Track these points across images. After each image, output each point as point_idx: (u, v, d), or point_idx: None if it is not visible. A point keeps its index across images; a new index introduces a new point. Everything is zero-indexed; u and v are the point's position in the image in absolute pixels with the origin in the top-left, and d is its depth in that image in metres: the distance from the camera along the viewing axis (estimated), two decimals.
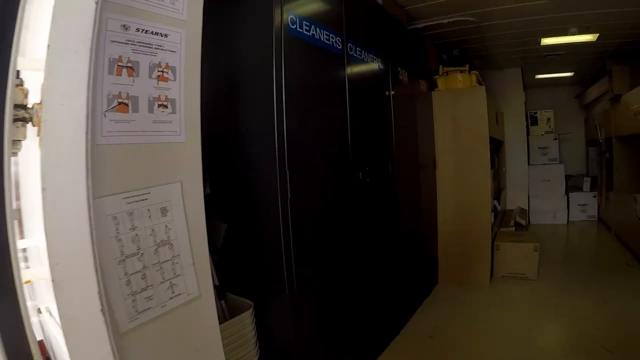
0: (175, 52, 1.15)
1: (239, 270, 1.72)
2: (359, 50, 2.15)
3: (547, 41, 4.45)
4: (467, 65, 3.70)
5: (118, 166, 0.97)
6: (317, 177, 1.80)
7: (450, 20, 3.50)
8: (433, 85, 3.70)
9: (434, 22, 3.56)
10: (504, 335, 2.66)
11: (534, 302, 3.26)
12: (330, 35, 1.89)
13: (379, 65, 2.40)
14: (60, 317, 0.86)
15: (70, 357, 0.86)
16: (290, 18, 1.61)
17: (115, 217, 0.97)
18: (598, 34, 4.23)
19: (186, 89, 1.15)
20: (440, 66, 3.75)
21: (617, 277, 3.72)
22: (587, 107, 7.13)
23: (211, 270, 1.29)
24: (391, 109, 2.54)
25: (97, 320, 0.87)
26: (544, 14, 3.54)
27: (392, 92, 2.56)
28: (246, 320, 1.52)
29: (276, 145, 1.52)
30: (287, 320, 1.63)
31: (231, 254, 1.70)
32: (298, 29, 1.66)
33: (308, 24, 1.72)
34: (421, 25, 3.60)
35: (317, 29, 1.79)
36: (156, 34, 1.10)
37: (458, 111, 3.55)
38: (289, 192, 1.55)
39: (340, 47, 1.96)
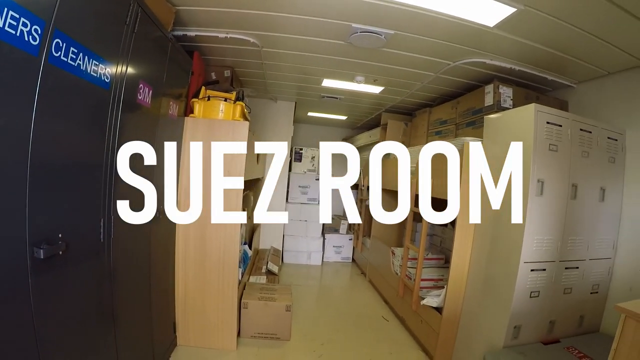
0: None
1: None
2: (73, 52, 1.49)
3: (328, 83, 4.53)
4: (234, 94, 3.36)
5: None
6: None
7: (228, 36, 3.17)
8: (188, 110, 3.23)
9: (209, 34, 3.17)
10: None
11: None
12: (21, 19, 1.21)
13: (106, 78, 1.76)
14: None
15: None
16: None
17: None
18: (383, 87, 4.51)
19: None
20: (203, 88, 3.31)
21: (376, 334, 3.95)
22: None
23: None
24: (116, 141, 1.91)
25: None
26: (334, 55, 3.53)
27: (123, 118, 1.94)
28: None
29: None
30: None
31: None
32: None
33: None
34: (192, 34, 3.16)
35: None
36: None
37: (212, 145, 3.15)
38: None
39: (36, 43, 1.28)
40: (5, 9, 1.18)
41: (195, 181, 3.13)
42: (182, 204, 3.15)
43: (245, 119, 3.49)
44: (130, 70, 1.99)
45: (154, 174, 2.52)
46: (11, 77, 1.24)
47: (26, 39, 1.26)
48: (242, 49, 3.50)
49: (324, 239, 6.97)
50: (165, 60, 2.56)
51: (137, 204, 2.28)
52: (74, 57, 1.51)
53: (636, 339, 1.41)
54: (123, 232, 2.08)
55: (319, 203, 6.88)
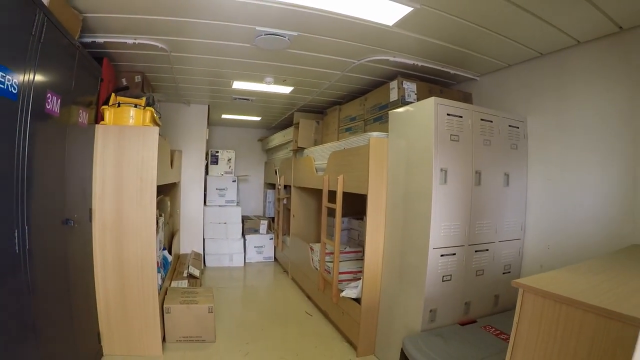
0: None
1: None
2: None
3: (239, 85, 4.62)
4: (144, 99, 3.37)
5: None
6: None
7: (137, 42, 3.17)
8: (98, 117, 3.21)
9: (117, 40, 3.16)
10: None
11: None
12: None
13: (13, 89, 1.75)
14: None
15: None
16: None
17: None
18: (293, 87, 4.66)
19: None
20: (113, 94, 3.29)
21: (301, 329, 4.11)
22: (269, 152, 7.96)
23: None
24: (26, 152, 1.90)
25: None
26: (242, 57, 3.63)
27: (32, 127, 1.92)
28: None
29: None
30: None
31: None
32: None
33: None
34: (101, 40, 3.12)
35: None
36: None
37: (125, 152, 3.19)
38: None
39: None
40: None
41: (107, 188, 3.14)
42: (98, 210, 3.12)
43: (156, 124, 3.51)
44: (37, 79, 1.98)
45: (66, 183, 2.52)
46: None
47: None
48: (152, 54, 3.51)
49: (244, 240, 7.05)
50: (73, 68, 2.55)
51: (52, 213, 2.29)
52: None
53: (535, 311, 1.50)
54: (38, 242, 2.07)
55: (237, 204, 6.95)
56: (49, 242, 2.29)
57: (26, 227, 1.93)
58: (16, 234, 1.86)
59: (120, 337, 3.29)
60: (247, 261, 7.05)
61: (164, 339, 3.55)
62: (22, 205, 1.91)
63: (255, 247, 7.15)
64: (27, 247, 1.94)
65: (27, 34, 1.90)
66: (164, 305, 3.60)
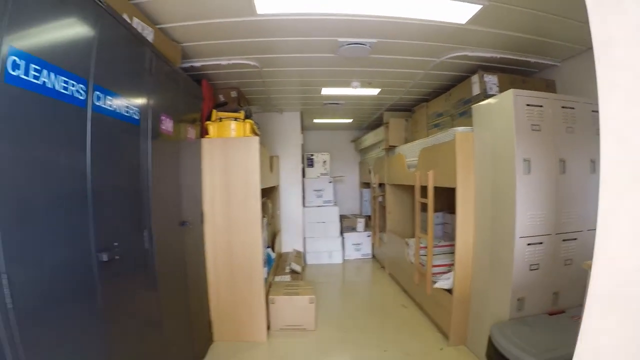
0: None
1: None
2: (109, 99, 1.90)
3: (327, 91, 4.92)
4: (243, 113, 3.80)
5: None
6: (49, 269, 1.48)
7: (230, 62, 3.61)
8: (203, 132, 3.69)
9: (212, 62, 3.62)
10: None
11: (314, 355, 3.49)
12: (71, 82, 1.60)
13: (135, 115, 2.19)
14: None
15: None
16: (13, 60, 1.30)
17: None
18: (380, 89, 4.87)
19: None
20: (214, 111, 3.76)
21: (396, 320, 4.28)
22: (363, 152, 8.19)
23: None
24: (149, 166, 2.35)
25: None
26: (327, 66, 3.90)
27: (151, 145, 2.38)
28: None
29: None
30: None
31: None
32: (22, 76, 1.34)
33: (39, 67, 1.42)
34: (198, 64, 3.62)
35: (52, 74, 1.49)
36: None
37: (230, 161, 3.61)
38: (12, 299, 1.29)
39: (82, 98, 1.68)
40: (62, 77, 1.59)
41: (216, 193, 3.59)
42: (208, 213, 3.60)
43: (255, 134, 3.91)
44: (152, 105, 2.43)
45: (181, 190, 2.98)
46: (73, 123, 1.68)
47: (75, 95, 1.67)
48: (244, 71, 3.93)
49: (342, 238, 7.34)
50: (178, 91, 3.02)
51: (171, 216, 2.74)
52: (111, 105, 1.94)
53: None
54: (161, 241, 2.51)
55: (334, 204, 7.27)
56: (170, 241, 2.75)
57: (152, 228, 2.37)
58: (145, 234, 2.30)
59: (229, 325, 3.74)
60: (345, 258, 7.33)
61: (268, 327, 3.95)
62: (149, 209, 2.35)
63: (353, 244, 7.40)
64: (153, 244, 2.38)
65: (141, 68, 2.34)
66: (269, 297, 3.99)
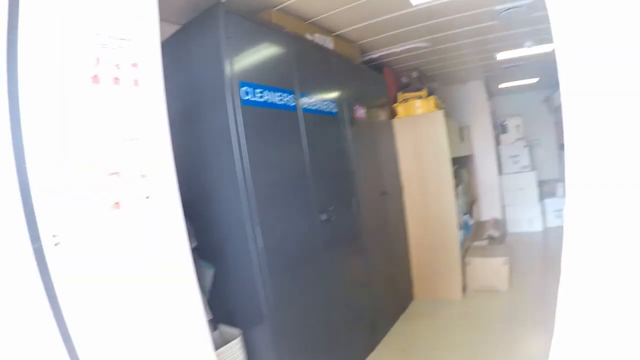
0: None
1: (229, 305, 2.18)
2: (312, 102, 2.58)
3: (503, 56, 4.93)
4: (425, 90, 4.20)
5: None
6: (284, 224, 2.21)
7: (403, 48, 4.04)
8: (393, 113, 4.17)
9: (387, 52, 4.07)
10: (474, 348, 2.99)
11: (506, 314, 3.64)
12: (283, 95, 2.29)
13: (333, 109, 2.82)
14: None
15: None
16: (244, 90, 2.01)
17: None
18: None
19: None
20: (399, 93, 4.22)
21: None
22: (558, 110, 7.75)
23: (205, 307, 1.75)
24: (350, 147, 2.96)
25: None
26: (494, 33, 4.02)
27: (350, 130, 2.98)
28: (236, 346, 1.99)
29: (243, 203, 1.97)
30: (270, 343, 2.06)
31: (221, 292, 2.17)
32: (251, 99, 2.05)
33: (260, 90, 2.12)
34: (376, 55, 4.12)
35: (270, 93, 2.19)
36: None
37: (419, 136, 4.02)
38: (259, 240, 1.98)
39: (293, 104, 2.37)
40: (277, 93, 2.27)
41: (410, 165, 4.10)
42: (405, 182, 4.11)
43: (440, 108, 4.27)
44: (346, 98, 3.04)
45: (380, 165, 3.60)
46: (290, 121, 2.39)
47: (288, 103, 2.36)
48: (419, 53, 4.30)
49: (542, 204, 7.11)
50: (364, 83, 3.59)
51: (373, 187, 3.35)
52: (313, 105, 2.60)
53: None
54: (366, 208, 3.11)
55: (532, 169, 7.09)
56: (373, 208, 3.32)
57: (358, 197, 2.98)
58: (352, 201, 2.93)
59: (427, 284, 4.16)
60: (546, 225, 7.08)
61: (464, 289, 4.23)
62: (354, 182, 2.99)
63: (554, 210, 7.09)
64: (360, 210, 2.99)
65: (329, 71, 2.96)
66: (465, 259, 4.30)
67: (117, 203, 1.33)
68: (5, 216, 1.05)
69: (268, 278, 2.04)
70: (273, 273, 2.07)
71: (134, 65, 1.43)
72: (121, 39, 1.40)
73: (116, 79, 1.38)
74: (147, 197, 1.42)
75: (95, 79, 1.31)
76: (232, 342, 2.00)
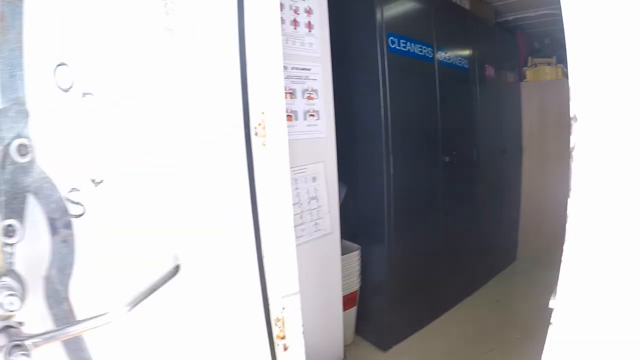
0: (316, 79, 2.04)
1: (353, 222, 2.59)
2: (447, 56, 2.85)
3: None
4: (555, 58, 4.20)
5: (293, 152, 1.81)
6: (412, 158, 2.58)
7: (537, 13, 4.03)
8: (521, 76, 4.24)
9: (521, 15, 4.11)
10: None
11: None
12: (423, 47, 2.60)
13: (465, 65, 3.07)
14: None
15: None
16: (390, 39, 2.35)
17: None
18: None
19: (325, 103, 2.03)
20: (529, 57, 4.28)
21: None
22: None
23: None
24: (476, 102, 3.20)
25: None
26: None
27: (478, 87, 3.21)
28: (354, 258, 2.42)
29: (382, 135, 2.35)
30: (383, 262, 2.48)
31: (348, 209, 2.58)
32: (397, 47, 2.40)
33: (404, 41, 2.45)
34: (510, 18, 4.17)
35: (412, 44, 2.51)
36: (303, 69, 1.99)
37: (545, 102, 4.07)
38: (391, 169, 2.36)
39: (430, 56, 2.68)
40: (418, 45, 2.57)
41: (533, 128, 4.19)
42: (526, 144, 4.21)
43: (566, 78, 4.21)
44: (477, 56, 3.26)
45: (502, 124, 3.80)
46: (427, 71, 2.70)
47: (426, 55, 2.66)
48: (553, 19, 4.24)
49: None
50: (496, 43, 3.75)
51: (493, 144, 3.55)
52: (447, 59, 2.88)
53: None
54: (484, 161, 3.34)
55: None
56: (491, 163, 3.52)
57: (479, 149, 3.25)
58: (474, 152, 3.21)
59: (534, 249, 4.15)
60: None
61: None
62: (478, 134, 3.26)
63: None
64: (479, 162, 3.25)
65: (464, 29, 3.18)
66: None
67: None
68: None
69: (392, 204, 2.43)
70: (397, 201, 2.46)
71: (308, 11, 1.86)
72: None
73: (295, 22, 1.82)
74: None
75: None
76: (352, 254, 2.43)
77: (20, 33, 0.62)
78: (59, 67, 0.68)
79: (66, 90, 0.69)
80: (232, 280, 1.10)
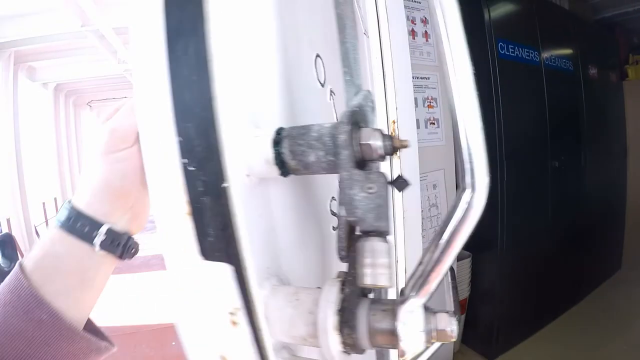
0: (435, 88, 2.06)
1: None
2: (552, 59, 2.80)
3: None
4: None
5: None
6: (524, 164, 2.54)
7: (636, 8, 3.84)
8: (623, 75, 4.03)
9: (619, 12, 3.94)
10: None
11: None
12: (529, 50, 2.57)
13: (570, 66, 2.98)
14: None
15: None
16: (500, 45, 2.36)
17: None
18: None
19: (444, 111, 2.06)
20: (630, 55, 4.08)
21: None
22: None
23: None
24: (583, 105, 3.10)
25: None
26: None
27: (583, 88, 3.10)
28: (465, 265, 2.41)
29: (496, 142, 2.34)
30: (494, 269, 2.47)
31: None
32: (506, 53, 2.40)
33: (513, 46, 2.44)
34: (609, 15, 4.00)
35: (519, 49, 2.50)
36: (422, 78, 2.02)
37: None
38: (505, 175, 2.35)
39: (537, 60, 2.64)
40: (525, 50, 2.54)
41: (637, 129, 3.96)
42: (631, 149, 3.97)
43: None
44: (580, 57, 3.14)
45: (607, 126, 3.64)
46: (534, 75, 2.66)
47: (533, 59, 2.61)
48: None
49: None
50: (597, 43, 3.60)
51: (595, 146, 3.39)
52: (553, 62, 2.84)
53: None
54: (589, 161, 3.19)
55: None
56: (597, 166, 3.34)
57: (585, 153, 3.14)
58: (582, 156, 3.12)
59: (635, 253, 3.92)
60: None
61: None
62: (583, 137, 3.15)
63: None
64: (587, 164, 3.14)
65: (566, 30, 3.10)
66: None
67: None
68: None
69: (505, 211, 2.41)
70: (509, 207, 2.43)
71: (424, 21, 1.90)
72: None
73: (413, 32, 1.86)
74: None
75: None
76: (463, 261, 2.41)
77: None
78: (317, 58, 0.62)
79: (322, 85, 0.64)
80: None
